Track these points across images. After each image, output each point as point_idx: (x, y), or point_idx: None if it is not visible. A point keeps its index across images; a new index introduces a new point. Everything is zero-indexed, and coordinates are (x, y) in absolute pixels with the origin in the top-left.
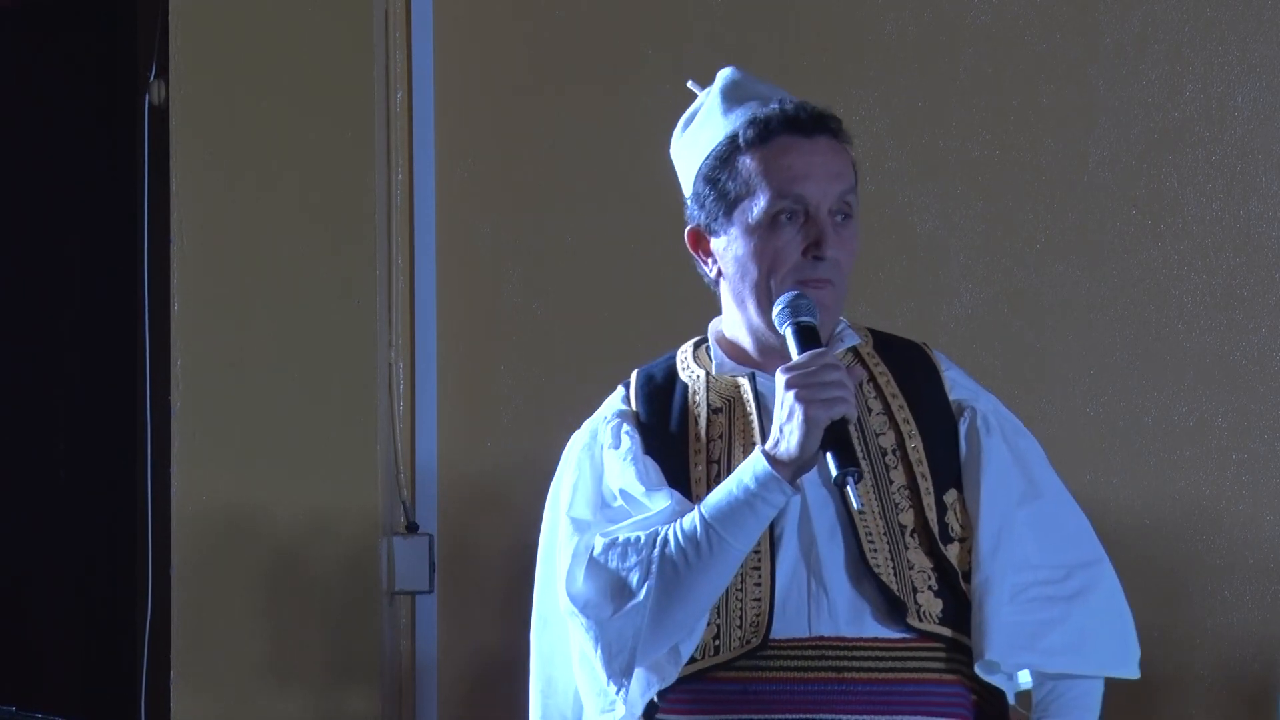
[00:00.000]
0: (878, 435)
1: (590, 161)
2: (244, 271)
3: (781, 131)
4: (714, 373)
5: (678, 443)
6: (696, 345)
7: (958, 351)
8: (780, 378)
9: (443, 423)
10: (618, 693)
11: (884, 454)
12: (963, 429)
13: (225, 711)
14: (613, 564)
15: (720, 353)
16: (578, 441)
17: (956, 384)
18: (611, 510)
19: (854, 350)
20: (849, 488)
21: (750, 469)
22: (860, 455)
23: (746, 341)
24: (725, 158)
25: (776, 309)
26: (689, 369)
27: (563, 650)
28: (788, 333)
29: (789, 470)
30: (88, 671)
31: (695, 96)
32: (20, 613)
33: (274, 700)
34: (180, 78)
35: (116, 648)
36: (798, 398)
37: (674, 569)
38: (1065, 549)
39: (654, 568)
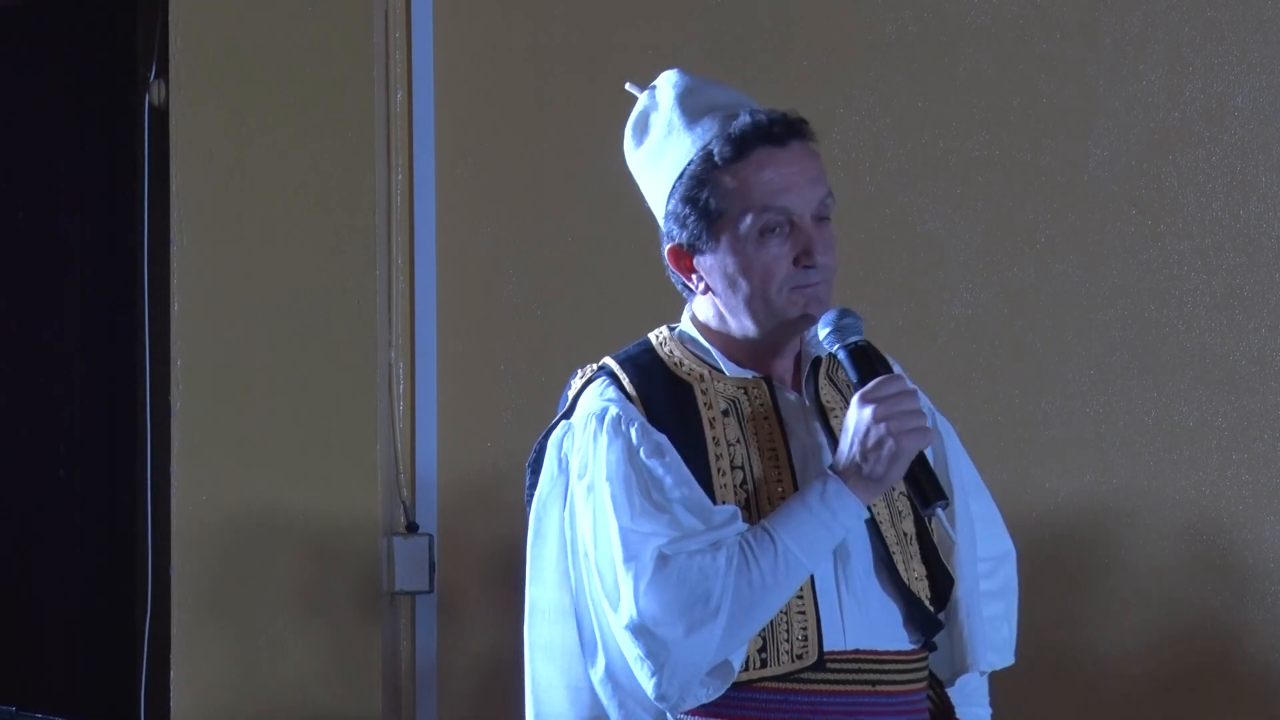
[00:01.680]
0: None
1: (590, 162)
2: (244, 271)
3: (757, 144)
4: (727, 374)
5: (696, 447)
6: (674, 341)
7: (957, 351)
8: (864, 408)
9: (443, 423)
10: (668, 708)
11: None
12: None
13: (225, 711)
14: (686, 581)
15: (718, 353)
16: (592, 439)
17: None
18: (664, 519)
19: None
20: (940, 517)
21: (824, 490)
22: None
23: (744, 345)
24: (702, 177)
25: (823, 331)
26: (684, 366)
27: (559, 645)
28: (841, 356)
29: (870, 494)
30: (88, 671)
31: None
32: (21, 612)
33: (274, 700)
34: (180, 78)
35: (116, 648)
36: (889, 430)
37: (750, 588)
38: (991, 544)
39: (730, 587)
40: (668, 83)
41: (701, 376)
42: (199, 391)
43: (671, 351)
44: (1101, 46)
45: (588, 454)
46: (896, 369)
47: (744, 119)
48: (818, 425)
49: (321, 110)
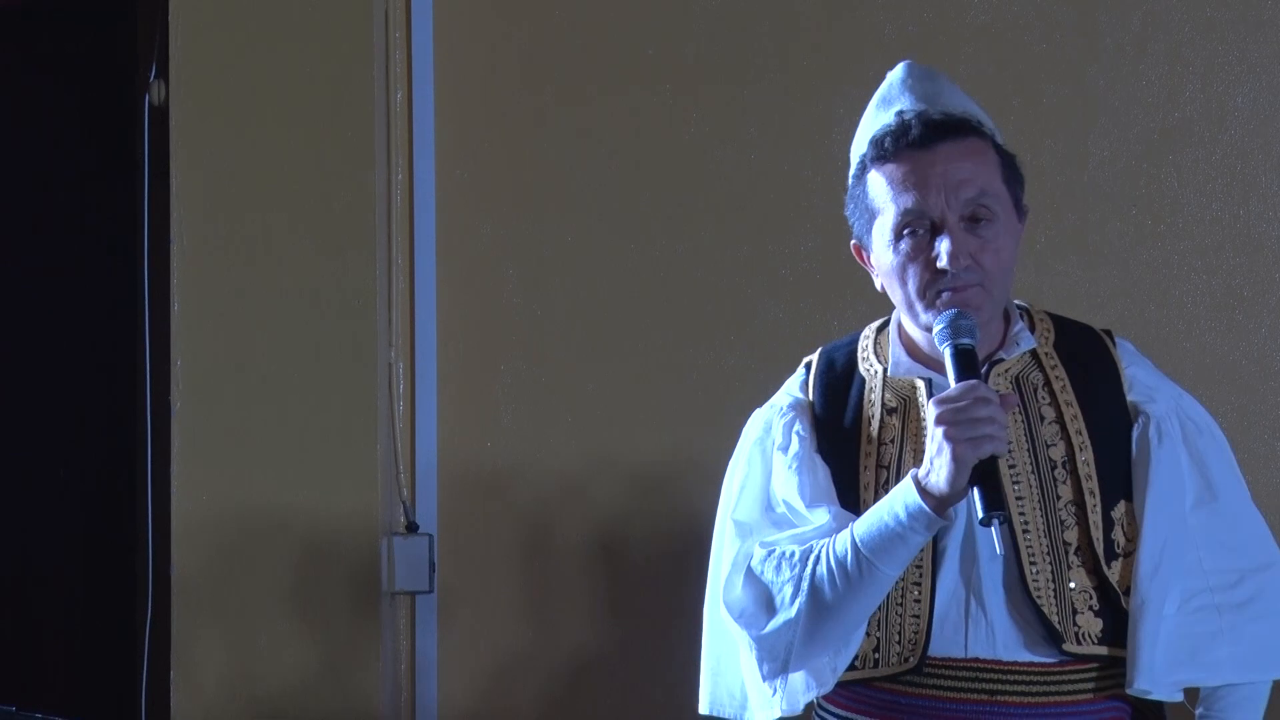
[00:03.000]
0: (1048, 446)
1: (590, 162)
2: (244, 271)
3: (898, 147)
4: (891, 372)
5: (850, 443)
6: (880, 329)
7: None
8: (931, 410)
9: (443, 423)
10: (773, 695)
11: (1053, 467)
12: (1135, 435)
13: (225, 711)
14: (767, 577)
15: (900, 349)
16: (753, 430)
17: (1136, 382)
18: (775, 515)
19: (1032, 354)
20: (993, 530)
21: (901, 498)
22: (1029, 470)
23: (922, 341)
24: (859, 176)
25: (937, 327)
26: (868, 360)
27: (731, 632)
28: (946, 354)
29: (938, 503)
30: (88, 671)
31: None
32: (20, 612)
33: (274, 700)
34: (180, 78)
35: (116, 648)
36: (946, 435)
37: (824, 590)
38: (1238, 554)
39: (805, 586)
40: (887, 77)
41: (878, 373)
42: (199, 391)
43: (866, 345)
44: (1101, 46)
45: (744, 446)
46: (1137, 369)
47: (891, 122)
48: None
49: (321, 110)
